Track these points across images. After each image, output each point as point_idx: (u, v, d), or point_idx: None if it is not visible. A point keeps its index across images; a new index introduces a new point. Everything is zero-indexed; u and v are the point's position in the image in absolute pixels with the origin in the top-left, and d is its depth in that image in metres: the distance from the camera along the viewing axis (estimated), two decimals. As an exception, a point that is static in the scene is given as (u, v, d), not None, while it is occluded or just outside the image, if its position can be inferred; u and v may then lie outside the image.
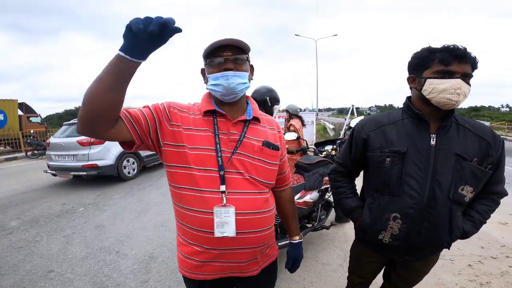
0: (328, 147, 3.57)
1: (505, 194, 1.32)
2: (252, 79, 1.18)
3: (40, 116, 18.23)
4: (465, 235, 1.28)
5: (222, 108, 1.11)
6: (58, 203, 5.31)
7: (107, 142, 6.39)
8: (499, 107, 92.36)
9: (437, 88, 1.14)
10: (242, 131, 1.10)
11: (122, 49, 0.78)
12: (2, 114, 14.48)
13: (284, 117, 5.61)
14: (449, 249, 1.32)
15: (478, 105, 78.11)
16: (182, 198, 1.05)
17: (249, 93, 2.03)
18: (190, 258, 1.09)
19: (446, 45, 1.16)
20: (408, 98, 1.32)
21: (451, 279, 2.58)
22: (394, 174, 1.23)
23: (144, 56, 0.82)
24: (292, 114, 4.27)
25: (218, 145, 1.04)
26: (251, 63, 1.16)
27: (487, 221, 1.31)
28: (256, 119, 1.15)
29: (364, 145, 1.33)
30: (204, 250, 1.06)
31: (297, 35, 30.52)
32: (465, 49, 1.13)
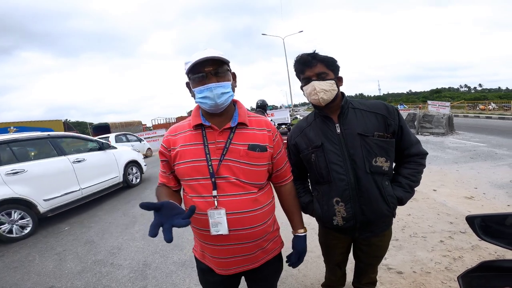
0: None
1: (424, 153, 1.45)
2: (236, 86, 1.27)
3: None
4: (400, 201, 1.42)
5: (209, 119, 1.21)
6: (41, 223, 5.18)
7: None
8: (458, 88, 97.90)
9: (307, 93, 1.38)
10: (228, 138, 1.18)
11: None
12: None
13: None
14: (394, 217, 1.49)
15: (439, 87, 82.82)
16: (188, 203, 1.22)
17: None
18: (200, 250, 1.31)
19: (298, 57, 1.39)
20: None
21: (425, 255, 2.80)
22: (322, 165, 1.42)
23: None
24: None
25: (208, 155, 1.15)
26: (232, 71, 1.25)
27: (418, 182, 1.44)
28: (242, 124, 1.22)
29: (297, 149, 1.53)
30: (206, 245, 1.24)
31: (264, 34, 30.56)
32: (310, 55, 1.35)
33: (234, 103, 1.30)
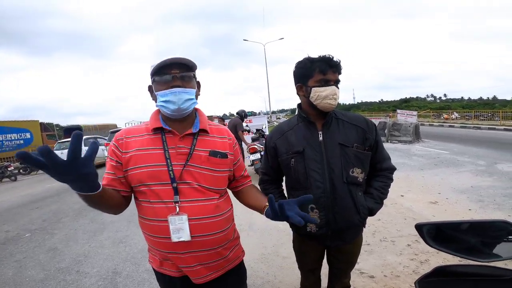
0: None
1: (393, 169, 1.52)
2: (199, 95, 1.25)
3: (56, 133, 22.60)
4: (371, 211, 1.45)
5: (169, 124, 1.18)
6: (0, 230, 4.86)
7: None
8: (425, 97, 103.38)
9: (321, 96, 1.34)
10: (192, 144, 1.16)
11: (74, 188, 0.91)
12: (29, 133, 18.20)
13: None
14: (364, 227, 1.53)
15: (408, 97, 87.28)
16: (142, 210, 1.16)
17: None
18: (156, 258, 1.23)
19: (323, 56, 1.37)
20: (299, 105, 1.53)
21: (394, 259, 2.91)
22: (300, 171, 1.41)
23: (92, 190, 0.92)
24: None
25: (168, 160, 1.12)
26: (197, 79, 1.23)
27: (386, 195, 1.49)
28: (204, 131, 1.21)
29: (275, 152, 1.51)
30: (165, 253, 1.17)
31: (245, 40, 31.53)
32: (338, 60, 1.37)
33: (195, 110, 1.28)
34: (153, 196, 1.12)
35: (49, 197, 7.63)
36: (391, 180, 1.52)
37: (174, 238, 1.10)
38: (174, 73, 1.11)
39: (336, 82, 1.38)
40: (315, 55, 1.40)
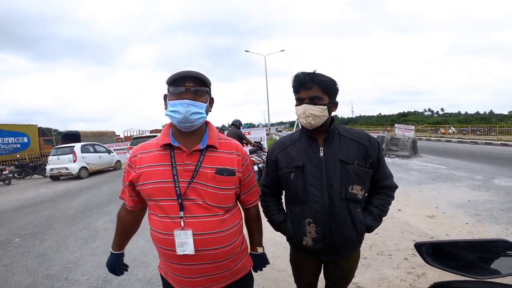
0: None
1: (395, 187, 1.50)
2: (210, 111, 1.28)
3: (53, 139, 23.13)
4: (369, 228, 1.44)
5: (178, 139, 1.20)
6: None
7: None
8: (422, 112, 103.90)
9: (298, 114, 1.38)
10: (198, 161, 1.17)
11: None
12: (27, 137, 18.31)
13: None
14: (361, 243, 1.52)
15: (406, 111, 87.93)
16: (152, 222, 1.21)
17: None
18: (164, 268, 1.29)
19: (296, 74, 1.38)
20: None
21: (391, 273, 2.88)
22: (300, 185, 1.40)
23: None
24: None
25: (175, 177, 1.14)
26: (212, 95, 1.26)
27: (386, 213, 1.48)
28: (212, 147, 1.21)
29: (276, 166, 1.51)
30: (171, 264, 1.20)
31: (247, 51, 32.09)
32: (309, 75, 1.34)
33: (206, 124, 1.29)
34: (160, 211, 1.17)
35: (43, 202, 7.54)
36: (392, 198, 1.51)
37: (179, 251, 1.13)
38: (188, 86, 1.14)
39: (312, 99, 1.35)
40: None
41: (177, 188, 1.14)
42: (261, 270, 1.46)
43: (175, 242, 1.13)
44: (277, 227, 1.58)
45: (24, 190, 10.09)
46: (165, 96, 1.23)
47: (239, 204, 1.36)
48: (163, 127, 1.32)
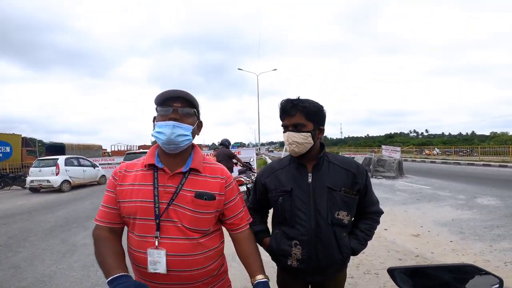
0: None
1: (380, 212, 1.54)
2: (198, 135, 1.28)
3: (37, 150, 22.68)
4: (354, 251, 1.46)
5: (163, 160, 1.20)
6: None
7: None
8: (408, 133, 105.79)
9: (284, 141, 1.42)
10: (179, 183, 1.17)
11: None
12: (9, 147, 17.64)
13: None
14: (346, 265, 1.52)
15: (392, 132, 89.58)
16: (129, 239, 1.20)
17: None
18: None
19: (281, 101, 1.41)
20: None
21: (377, 291, 2.83)
22: (287, 209, 1.42)
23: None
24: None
25: (156, 197, 1.14)
26: (201, 119, 1.27)
27: (371, 237, 1.51)
28: (195, 170, 1.21)
29: (264, 189, 1.53)
30: (143, 281, 1.17)
31: (240, 69, 32.39)
32: (292, 102, 1.36)
33: (193, 147, 1.28)
34: (137, 229, 1.15)
35: (19, 214, 7.25)
36: (378, 223, 1.54)
37: (151, 269, 1.12)
38: (176, 106, 1.15)
39: (295, 126, 1.36)
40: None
41: (156, 209, 1.13)
42: None
43: (148, 260, 1.11)
44: (256, 237, 1.54)
45: (1, 201, 9.69)
46: (154, 118, 1.22)
47: (222, 229, 1.32)
48: (152, 143, 1.29)
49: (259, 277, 1.20)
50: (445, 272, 0.96)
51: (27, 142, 21.55)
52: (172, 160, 1.20)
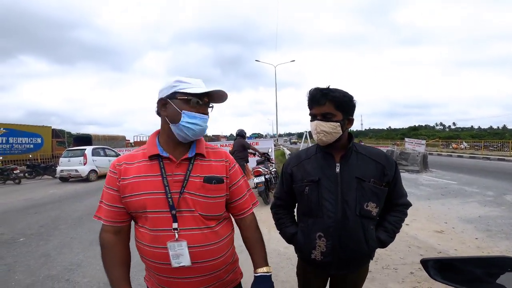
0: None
1: (409, 205, 1.52)
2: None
3: (66, 141, 23.50)
4: (382, 244, 1.45)
5: (167, 149, 1.16)
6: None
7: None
8: (434, 126, 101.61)
9: (311, 130, 1.40)
10: (187, 170, 1.15)
11: None
12: (40, 138, 18.90)
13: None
14: (372, 259, 1.50)
15: (417, 125, 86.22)
16: (140, 235, 1.14)
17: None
18: (152, 280, 1.21)
19: (310, 90, 1.38)
20: None
21: (396, 287, 2.80)
22: (314, 199, 1.40)
23: None
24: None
25: (167, 188, 1.11)
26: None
27: (399, 229, 1.49)
28: (200, 155, 1.19)
29: (291, 179, 1.51)
30: (164, 278, 1.14)
31: (257, 60, 31.95)
32: (322, 91, 1.33)
33: None
34: (150, 223, 1.11)
35: (50, 203, 7.64)
36: (406, 215, 1.52)
37: (174, 263, 1.09)
38: (206, 101, 1.16)
39: (324, 115, 1.34)
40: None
41: (170, 199, 1.10)
42: None
43: (169, 255, 1.08)
44: (289, 239, 1.56)
45: (33, 190, 10.24)
46: (165, 100, 1.14)
47: (231, 216, 1.32)
48: None
49: (262, 270, 1.22)
50: (481, 263, 0.92)
51: (57, 134, 22.57)
52: (178, 148, 1.18)
